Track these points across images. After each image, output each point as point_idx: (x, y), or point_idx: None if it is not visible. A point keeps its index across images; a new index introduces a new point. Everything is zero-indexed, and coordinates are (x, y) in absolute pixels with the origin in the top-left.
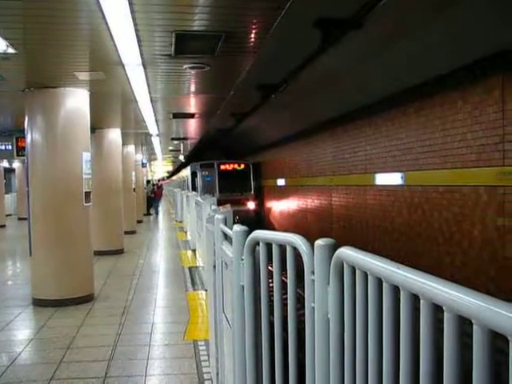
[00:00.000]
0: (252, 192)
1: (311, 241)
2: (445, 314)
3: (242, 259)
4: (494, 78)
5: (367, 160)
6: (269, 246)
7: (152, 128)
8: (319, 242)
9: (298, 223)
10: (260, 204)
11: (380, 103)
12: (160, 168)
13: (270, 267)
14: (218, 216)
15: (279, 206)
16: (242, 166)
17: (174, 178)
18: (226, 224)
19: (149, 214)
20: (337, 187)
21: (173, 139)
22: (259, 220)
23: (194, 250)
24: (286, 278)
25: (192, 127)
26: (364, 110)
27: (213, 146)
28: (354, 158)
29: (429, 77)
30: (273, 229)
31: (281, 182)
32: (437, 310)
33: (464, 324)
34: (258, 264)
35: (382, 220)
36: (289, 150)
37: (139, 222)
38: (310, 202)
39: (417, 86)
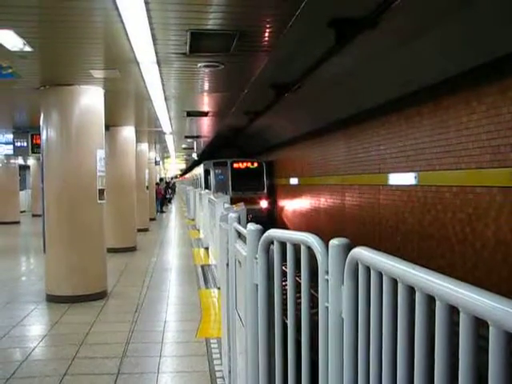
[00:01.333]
0: (265, 191)
1: (324, 240)
2: (460, 315)
3: (256, 258)
4: (509, 78)
5: (381, 160)
6: (283, 245)
7: (166, 126)
8: (334, 242)
9: (311, 222)
10: (273, 203)
11: (394, 103)
12: (173, 166)
13: (283, 267)
14: (232, 214)
15: (292, 205)
16: (256, 165)
17: (186, 176)
18: (239, 222)
19: (161, 211)
20: (350, 187)
21: (186, 137)
22: (272, 219)
23: (206, 248)
24: (300, 277)
25: (205, 125)
26: (378, 110)
27: (226, 144)
28: (367, 158)
29: (444, 76)
30: (285, 228)
31: (294, 180)
32: (452, 311)
33: (482, 327)
34: (272, 263)
35: (395, 220)
36: (302, 149)
37: (152, 219)
38: (322, 201)
39: (432, 85)
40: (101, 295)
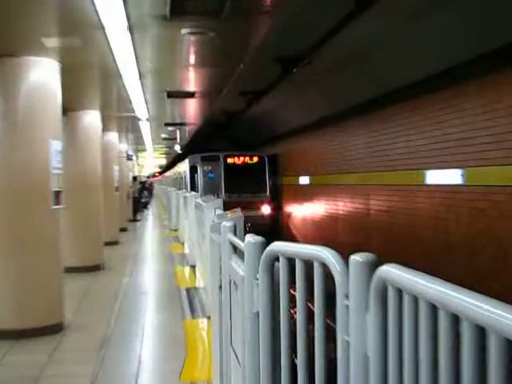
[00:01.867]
0: (267, 193)
1: (343, 256)
2: None
3: (257, 278)
4: None
5: (414, 153)
6: (291, 261)
7: (140, 110)
8: (356, 258)
9: (326, 233)
10: (278, 208)
11: (429, 81)
12: (150, 161)
13: (291, 290)
14: (226, 223)
15: (302, 211)
16: (255, 160)
17: (167, 173)
18: (235, 234)
19: (135, 219)
20: (375, 187)
21: (167, 125)
22: (276, 229)
23: (193, 267)
24: (312, 303)
25: (191, 110)
26: (409, 90)
27: (218, 134)
28: (396, 151)
29: (493, 47)
30: (294, 240)
31: (304, 179)
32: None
33: None
34: (277, 285)
35: (435, 230)
36: (314, 140)
37: (123, 230)
38: (341, 205)
39: (478, 58)
40: (56, 328)
